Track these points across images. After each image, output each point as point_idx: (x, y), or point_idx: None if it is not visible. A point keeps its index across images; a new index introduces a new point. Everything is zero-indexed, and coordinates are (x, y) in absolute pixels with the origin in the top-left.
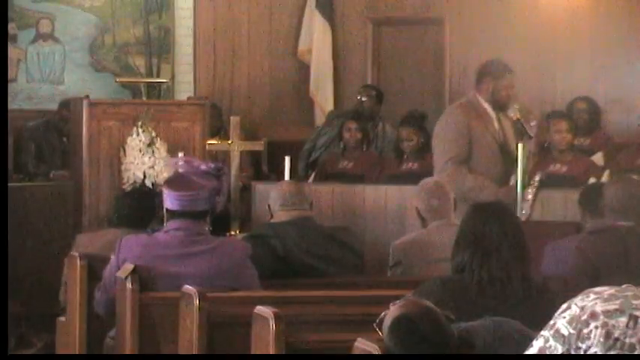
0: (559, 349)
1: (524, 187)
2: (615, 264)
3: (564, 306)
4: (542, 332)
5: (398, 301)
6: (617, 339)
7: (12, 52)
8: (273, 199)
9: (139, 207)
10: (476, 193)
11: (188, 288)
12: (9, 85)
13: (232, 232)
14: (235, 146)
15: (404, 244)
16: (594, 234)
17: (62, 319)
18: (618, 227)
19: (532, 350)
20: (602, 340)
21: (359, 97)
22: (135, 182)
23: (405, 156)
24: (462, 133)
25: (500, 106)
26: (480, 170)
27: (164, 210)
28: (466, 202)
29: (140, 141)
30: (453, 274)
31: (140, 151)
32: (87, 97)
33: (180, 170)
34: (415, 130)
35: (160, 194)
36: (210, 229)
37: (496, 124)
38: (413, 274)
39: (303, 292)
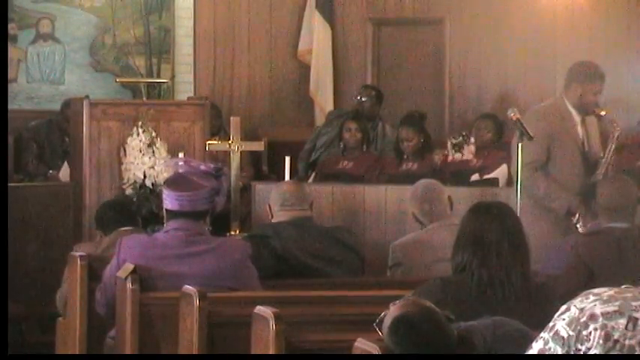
0: (558, 351)
1: (523, 186)
2: (609, 265)
3: (563, 307)
4: (542, 334)
5: (398, 301)
6: (616, 341)
7: (12, 52)
8: (274, 200)
9: (120, 216)
10: (548, 201)
11: (188, 288)
12: (9, 85)
13: (232, 232)
14: (235, 146)
15: (403, 245)
16: (589, 235)
17: (62, 319)
18: (613, 229)
19: (532, 352)
20: (601, 342)
21: (359, 98)
22: (135, 182)
23: (405, 156)
24: (541, 139)
25: (585, 111)
26: (561, 176)
27: (164, 210)
28: (539, 206)
29: (140, 141)
30: (453, 274)
31: (140, 151)
32: (87, 97)
33: (180, 171)
34: (415, 130)
35: (158, 193)
36: (210, 229)
37: (579, 129)
38: (412, 275)
39: (303, 292)
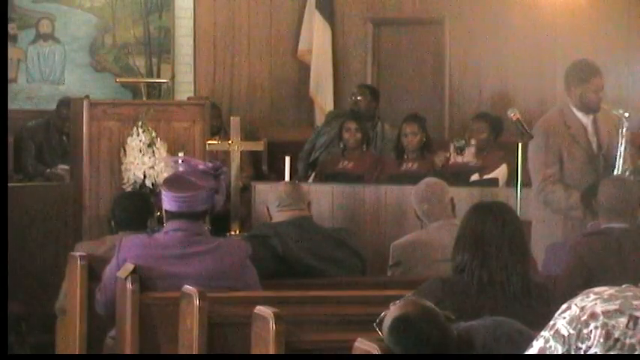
0: (559, 350)
1: (524, 186)
2: (609, 265)
3: (564, 306)
4: (542, 333)
5: (398, 301)
6: (617, 339)
7: (12, 52)
8: (271, 201)
9: (136, 209)
10: (569, 211)
11: (188, 288)
12: (9, 85)
13: (232, 232)
14: (235, 146)
15: (404, 244)
16: (589, 235)
17: (62, 319)
18: (613, 229)
19: (532, 351)
20: (602, 340)
21: (353, 97)
22: (135, 182)
23: (405, 156)
24: (551, 153)
25: (591, 110)
26: (575, 183)
27: (163, 210)
28: (568, 219)
29: (140, 141)
30: (453, 274)
31: (140, 151)
32: (87, 97)
33: (180, 169)
34: (418, 126)
35: (158, 194)
36: (210, 228)
37: (590, 129)
38: (413, 274)
39: (303, 292)
